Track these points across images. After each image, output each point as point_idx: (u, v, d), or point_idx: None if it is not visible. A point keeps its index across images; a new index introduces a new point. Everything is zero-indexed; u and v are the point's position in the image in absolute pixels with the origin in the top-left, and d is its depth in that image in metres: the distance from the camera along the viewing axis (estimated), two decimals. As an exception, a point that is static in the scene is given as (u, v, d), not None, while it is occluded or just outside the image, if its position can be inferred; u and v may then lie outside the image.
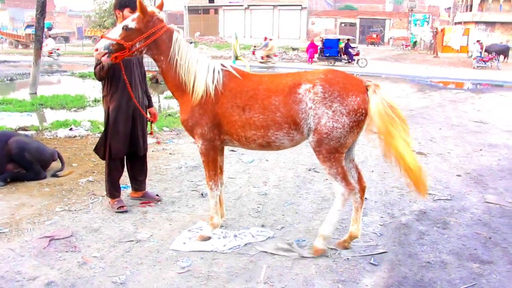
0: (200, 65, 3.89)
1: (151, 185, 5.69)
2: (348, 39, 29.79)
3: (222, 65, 3.97)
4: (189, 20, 56.07)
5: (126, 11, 4.61)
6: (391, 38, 52.52)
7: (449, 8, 59.13)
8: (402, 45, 47.02)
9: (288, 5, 56.24)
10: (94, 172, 6.29)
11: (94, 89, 17.54)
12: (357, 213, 4.07)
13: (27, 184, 5.77)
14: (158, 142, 5.29)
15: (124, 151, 4.85)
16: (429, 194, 5.79)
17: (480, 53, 30.92)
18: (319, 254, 3.96)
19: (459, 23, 48.71)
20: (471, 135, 9.71)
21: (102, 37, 4.01)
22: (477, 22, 49.01)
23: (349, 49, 28.59)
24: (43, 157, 6.14)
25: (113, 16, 42.97)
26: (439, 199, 5.63)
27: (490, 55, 30.62)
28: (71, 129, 8.94)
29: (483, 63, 29.81)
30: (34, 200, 5.22)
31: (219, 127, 3.91)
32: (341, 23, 57.39)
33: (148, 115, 5.17)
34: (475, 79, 23.39)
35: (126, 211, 4.86)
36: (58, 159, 6.35)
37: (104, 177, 5.02)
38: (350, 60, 28.22)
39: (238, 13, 57.35)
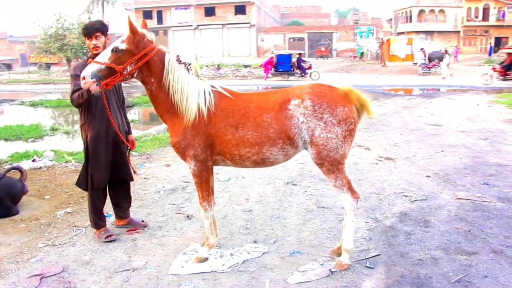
0: (191, 86, 3.91)
1: (133, 211, 5.60)
2: (300, 54, 30.55)
3: (212, 86, 4.01)
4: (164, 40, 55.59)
5: (86, 40, 4.60)
6: (334, 50, 54.22)
7: (391, 19, 61.84)
8: (350, 56, 48.57)
9: (237, 23, 57.02)
10: (70, 203, 6.12)
11: (49, 117, 17.09)
12: (348, 220, 4.19)
13: (-1, 222, 5.51)
14: (134, 172, 5.20)
15: (106, 180, 4.75)
16: (405, 196, 6.04)
17: (424, 60, 32.46)
18: (345, 269, 4.00)
19: (402, 33, 51.00)
20: (430, 137, 10.16)
21: (89, 62, 3.86)
22: (417, 32, 51.60)
23: (301, 63, 29.31)
24: (14, 191, 5.89)
25: (59, 41, 42.06)
26: (416, 200, 5.87)
27: (433, 62, 32.18)
28: (34, 160, 8.62)
29: (427, 69, 31.31)
30: (11, 238, 4.99)
31: (211, 147, 3.93)
32: (290, 38, 58.68)
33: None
34: (423, 85, 24.50)
35: (114, 240, 4.75)
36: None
37: (88, 208, 4.89)
38: (303, 74, 28.96)
39: (187, 33, 57.54)
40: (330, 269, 3.98)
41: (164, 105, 3.97)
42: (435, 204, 5.73)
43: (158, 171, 7.78)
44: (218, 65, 43.19)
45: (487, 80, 24.00)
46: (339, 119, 3.73)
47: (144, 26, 3.97)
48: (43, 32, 42.97)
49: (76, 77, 4.49)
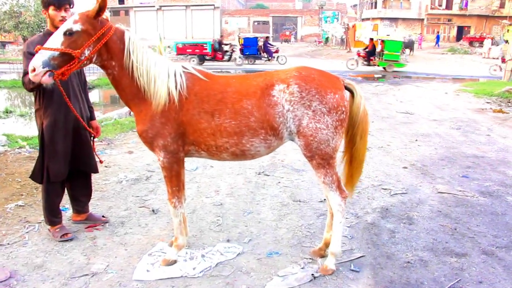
0: (159, 67, 3.39)
1: (93, 205, 5.04)
2: (267, 37, 29.96)
3: (183, 66, 3.50)
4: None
5: (51, 10, 3.94)
6: (292, 34, 53.92)
7: (355, 5, 61.96)
8: (315, 41, 48.37)
9: (200, 5, 55.68)
10: (22, 195, 5.49)
11: (3, 99, 16.04)
12: (332, 219, 3.81)
13: None
14: (101, 161, 4.63)
15: (64, 173, 4.18)
16: (384, 189, 5.75)
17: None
18: (329, 274, 3.63)
19: (367, 19, 51.17)
20: (403, 126, 9.98)
21: (37, 50, 3.20)
22: (382, 18, 51.89)
23: (268, 47, 28.77)
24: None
25: (14, 18, 39.98)
26: (396, 194, 5.59)
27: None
28: (-17, 146, 7.88)
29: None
30: (-51, 235, 4.39)
31: (183, 136, 3.45)
32: (254, 21, 57.86)
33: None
34: (389, 72, 24.51)
35: (71, 239, 4.21)
36: None
37: (42, 203, 4.31)
38: (269, 58, 28.39)
39: (150, 14, 55.79)
40: (312, 274, 3.60)
41: (129, 91, 3.45)
42: (416, 198, 5.46)
43: (120, 159, 7.21)
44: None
45: (353, 65, 26.25)
46: (329, 108, 3.31)
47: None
48: (-4, 9, 40.90)
49: (29, 55, 3.83)
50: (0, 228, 4.54)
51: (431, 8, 53.80)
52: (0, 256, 3.94)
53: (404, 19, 53.59)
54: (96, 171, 4.55)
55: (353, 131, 3.61)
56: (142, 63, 3.38)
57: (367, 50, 26.41)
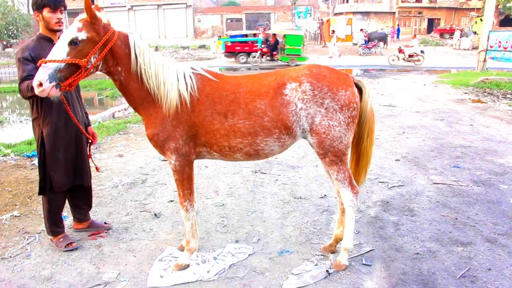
0: (167, 70, 3.34)
1: (91, 211, 4.90)
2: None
3: (192, 68, 3.47)
4: (69, 23, 52.37)
5: (46, 12, 3.82)
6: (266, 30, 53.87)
7: (327, 0, 62.28)
8: (290, 37, 48.44)
9: (172, 4, 55.11)
10: (16, 205, 5.34)
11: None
12: (343, 215, 3.84)
13: None
14: (97, 169, 4.53)
15: (68, 183, 4.06)
16: (381, 182, 5.83)
17: (365, 41, 32.99)
18: (343, 269, 3.65)
19: (340, 13, 51.61)
20: (388, 119, 10.11)
21: (40, 63, 3.07)
22: (354, 13, 52.37)
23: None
24: None
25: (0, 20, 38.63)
26: (393, 187, 5.67)
27: (372, 42, 32.78)
28: (-36, 155, 7.63)
29: (368, 50, 31.84)
30: None
31: (195, 138, 3.41)
32: (227, 19, 57.60)
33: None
34: (366, 65, 24.82)
35: (76, 248, 4.12)
36: None
37: (43, 214, 4.19)
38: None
39: (121, 15, 54.86)
40: (327, 270, 3.63)
41: (138, 95, 3.38)
42: (413, 190, 5.55)
43: (111, 163, 7.10)
44: (156, 47, 41.64)
45: (256, 62, 26.22)
46: (341, 105, 3.33)
47: (98, 9, 3.28)
48: (-38, 11, 39.64)
49: (25, 61, 3.73)
50: (-1, 241, 4.42)
51: (402, 1, 54.59)
52: (4, 271, 3.81)
53: (376, 13, 54.20)
54: (89, 183, 4.40)
55: (361, 128, 3.65)
56: (150, 66, 3.32)
57: (269, 45, 26.44)
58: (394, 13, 54.36)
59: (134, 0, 55.49)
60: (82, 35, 3.10)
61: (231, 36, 29.15)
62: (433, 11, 54.75)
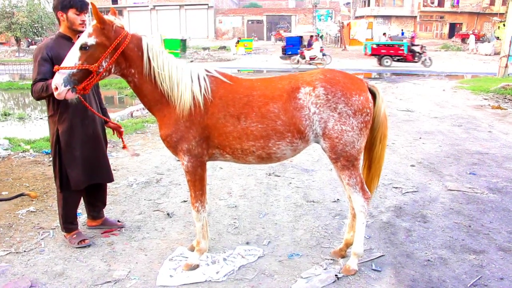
0: (181, 72, 3.39)
1: (105, 209, 4.96)
2: (311, 36, 29.42)
3: (206, 70, 3.51)
4: (90, 22, 53.01)
5: (71, 13, 3.88)
6: (286, 32, 53.64)
7: (348, 3, 62.11)
8: (309, 40, 48.38)
9: (194, 5, 55.62)
10: (32, 200, 5.44)
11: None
12: (354, 220, 3.83)
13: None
14: (135, 154, 4.56)
15: (85, 180, 4.11)
16: (395, 188, 5.79)
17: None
18: (352, 274, 3.65)
19: (360, 17, 51.34)
20: (405, 124, 10.03)
21: (56, 70, 3.24)
22: (375, 16, 52.06)
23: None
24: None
25: (7, 19, 39.62)
26: (407, 192, 5.62)
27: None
28: (-14, 150, 7.80)
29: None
30: (-35, 244, 4.34)
31: (208, 140, 3.45)
32: (248, 20, 57.87)
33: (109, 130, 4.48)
34: (386, 70, 24.64)
35: (89, 245, 4.19)
36: None
37: (58, 211, 4.26)
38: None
39: (143, 14, 55.63)
40: (336, 275, 3.63)
41: (152, 97, 3.44)
42: (427, 196, 5.50)
43: (127, 162, 7.20)
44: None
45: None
46: (354, 110, 3.33)
47: (113, 13, 3.39)
48: (-12, 9, 40.50)
49: (42, 61, 3.80)
50: (14, 235, 4.51)
51: (424, 6, 54.08)
52: (18, 265, 3.90)
53: (397, 17, 53.84)
54: (112, 179, 4.48)
55: (373, 134, 3.64)
56: (164, 68, 3.37)
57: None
58: (415, 17, 53.88)
59: (157, 0, 56.08)
60: (92, 40, 3.19)
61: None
62: (455, 15, 54.11)
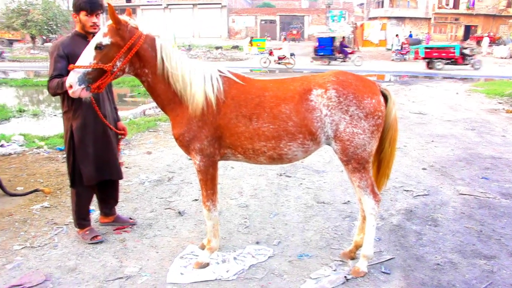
0: (194, 72, 3.43)
1: (117, 206, 5.02)
2: (343, 38, 29.27)
3: (219, 70, 3.55)
4: (105, 21, 53.43)
5: (82, 15, 3.98)
6: (299, 32, 53.46)
7: (362, 4, 61.84)
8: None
9: (207, 4, 55.79)
10: (46, 196, 5.54)
11: (14, 97, 16.15)
12: (364, 222, 3.84)
13: (-33, 218, 4.90)
14: (121, 163, 4.64)
15: (97, 176, 4.18)
16: (406, 191, 5.78)
17: (400, 46, 32.53)
18: (361, 276, 3.66)
19: (374, 18, 51.09)
20: (417, 126, 9.98)
21: (71, 68, 3.29)
22: (389, 18, 51.76)
23: (344, 48, 27.97)
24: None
25: (22, 16, 40.25)
26: (418, 195, 5.61)
27: (407, 48, 32.31)
28: (1, 145, 7.91)
29: (401, 55, 31.36)
30: (-18, 237, 4.43)
31: (220, 140, 3.49)
32: (261, 20, 57.88)
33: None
34: (399, 71, 24.50)
35: (101, 241, 4.26)
36: None
37: (71, 207, 4.34)
38: (344, 59, 27.62)
39: (157, 13, 55.91)
40: (345, 276, 3.64)
41: (165, 96, 3.49)
42: (438, 200, 5.48)
43: (140, 159, 7.27)
44: (189, 46, 42.17)
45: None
46: (366, 112, 3.34)
47: (128, 14, 3.45)
48: (4, 6, 41.08)
49: (58, 58, 3.88)
50: (29, 230, 4.59)
51: (438, 7, 53.66)
52: (33, 259, 3.98)
53: (411, 18, 53.50)
54: (122, 177, 4.53)
55: (383, 137, 3.64)
56: (177, 68, 3.41)
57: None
58: (429, 19, 53.47)
59: (170, -1, 56.37)
60: (107, 40, 3.24)
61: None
62: (470, 17, 53.60)
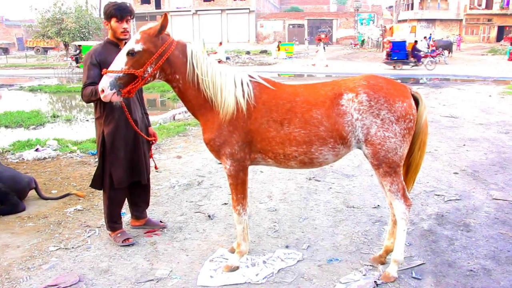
0: (225, 77, 3.49)
1: (148, 209, 5.13)
2: (415, 41, 28.82)
3: (250, 75, 3.60)
4: (136, 27, 54.69)
5: (113, 22, 4.09)
6: (306, 39, 52.93)
7: (391, 7, 61.16)
8: (351, 44, 47.97)
9: (235, 9, 56.23)
10: (80, 199, 5.70)
11: (49, 103, 16.62)
12: (394, 227, 3.81)
13: (4, 220, 5.09)
14: (156, 167, 4.75)
15: (127, 179, 4.29)
16: (437, 195, 5.69)
17: (428, 49, 31.91)
18: (392, 281, 3.64)
19: (403, 21, 50.42)
20: (449, 130, 9.80)
21: (104, 73, 3.38)
22: (419, 20, 51.01)
23: (416, 52, 27.46)
24: (19, 186, 5.46)
25: (56, 25, 41.52)
26: (450, 200, 5.51)
27: (437, 50, 31.65)
28: (37, 149, 8.17)
29: (432, 58, 30.71)
30: (19, 239, 4.57)
31: (250, 145, 3.53)
32: (290, 24, 57.94)
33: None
34: (429, 74, 24.06)
35: (133, 244, 4.35)
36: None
37: (104, 210, 4.45)
38: (417, 63, 27.10)
39: (186, 19, 56.69)
40: (375, 281, 3.62)
41: (196, 102, 3.55)
42: (471, 204, 5.37)
43: (170, 164, 7.39)
44: (228, 57, 42.48)
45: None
46: (397, 116, 3.33)
47: (166, 20, 3.48)
48: (40, 16, 42.45)
49: (91, 66, 4.01)
50: (63, 232, 4.73)
51: (470, 8, 52.54)
52: (67, 260, 4.10)
53: (441, 20, 52.57)
54: (148, 181, 4.62)
55: (413, 140, 3.60)
56: (207, 74, 3.47)
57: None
58: (461, 20, 52.41)
59: (199, 5, 57.03)
60: (139, 47, 3.32)
61: None
62: (504, 18, 52.22)
